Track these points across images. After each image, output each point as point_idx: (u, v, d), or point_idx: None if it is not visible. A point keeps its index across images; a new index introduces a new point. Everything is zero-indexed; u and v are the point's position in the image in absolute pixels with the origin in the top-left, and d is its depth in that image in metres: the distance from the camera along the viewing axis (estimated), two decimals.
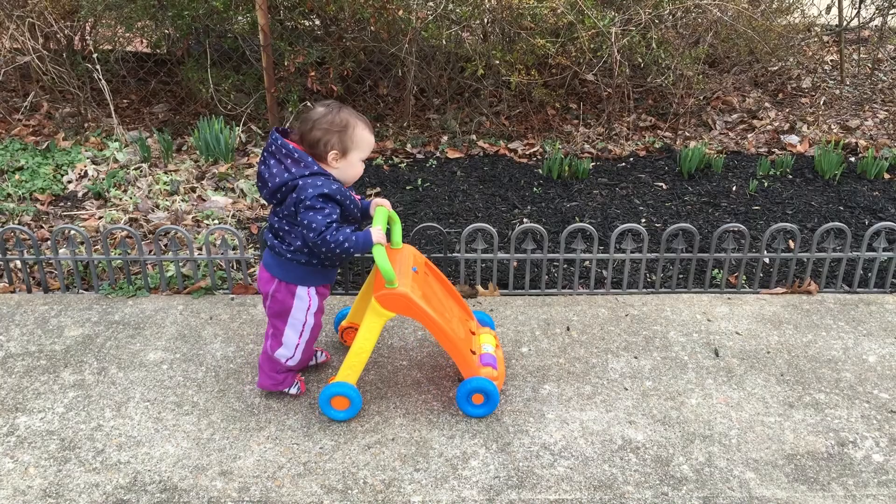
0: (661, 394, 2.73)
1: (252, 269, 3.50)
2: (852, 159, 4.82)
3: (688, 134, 5.40)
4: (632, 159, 4.87)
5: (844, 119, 5.68)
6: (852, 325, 3.14)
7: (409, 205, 4.19)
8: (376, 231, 2.42)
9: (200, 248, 3.62)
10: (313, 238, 2.31)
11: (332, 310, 3.19)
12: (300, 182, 2.30)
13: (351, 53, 4.85)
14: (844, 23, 6.31)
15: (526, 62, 4.92)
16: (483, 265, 3.48)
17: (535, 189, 4.39)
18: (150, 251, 3.46)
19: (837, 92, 6.23)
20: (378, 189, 4.40)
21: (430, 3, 4.58)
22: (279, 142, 2.34)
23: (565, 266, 3.53)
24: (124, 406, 2.66)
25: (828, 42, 7.32)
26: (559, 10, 4.50)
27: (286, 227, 2.41)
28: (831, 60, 7.00)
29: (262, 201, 4.16)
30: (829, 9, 6.30)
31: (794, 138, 5.14)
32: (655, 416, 2.62)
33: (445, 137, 5.13)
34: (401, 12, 4.55)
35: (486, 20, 4.73)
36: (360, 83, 5.43)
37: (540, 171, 4.63)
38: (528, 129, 5.38)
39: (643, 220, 3.97)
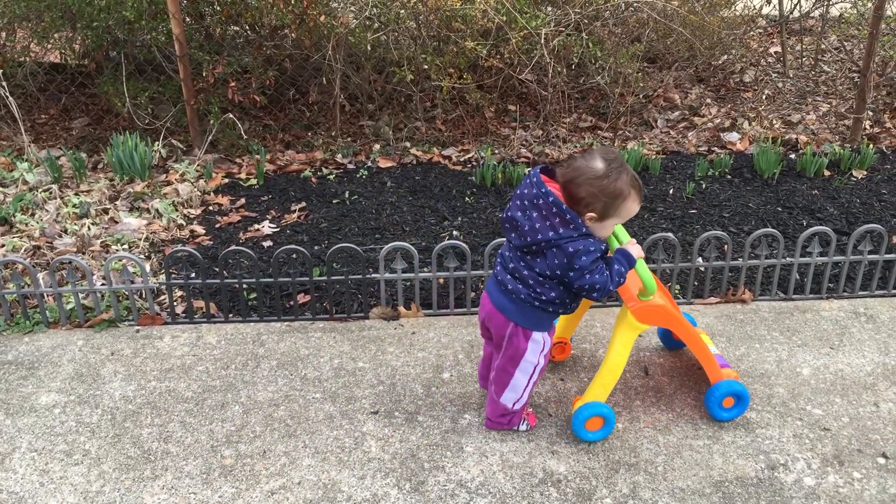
0: None
1: (162, 297, 3.30)
2: (793, 156, 4.73)
3: (628, 133, 5.28)
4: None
5: (786, 113, 5.61)
6: (787, 336, 3.02)
7: (335, 220, 4.01)
8: (634, 247, 2.35)
9: (105, 278, 3.41)
10: (598, 296, 2.24)
11: None
12: (570, 248, 2.14)
13: (274, 62, 4.65)
14: (787, 13, 6.26)
15: (458, 65, 4.77)
16: (407, 284, 3.31)
17: (467, 198, 4.23)
18: (50, 283, 3.25)
19: (780, 85, 6.17)
20: (303, 204, 4.21)
21: (352, 8, 4.39)
22: (550, 198, 2.13)
23: None
24: (8, 458, 2.45)
25: (771, 34, 7.27)
26: (489, 12, 4.35)
27: (540, 280, 2.25)
28: (775, 52, 6.94)
29: (180, 221, 3.95)
30: (769, 0, 6.23)
31: (734, 136, 5.05)
32: (580, 445, 2.48)
33: (377, 146, 4.95)
34: (322, 18, 4.36)
35: (413, 24, 4.56)
36: (284, 93, 5.22)
37: (473, 178, 4.47)
38: (465, 133, 5.23)
39: None
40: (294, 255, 3.49)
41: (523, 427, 2.55)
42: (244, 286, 3.19)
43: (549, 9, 4.79)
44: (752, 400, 2.66)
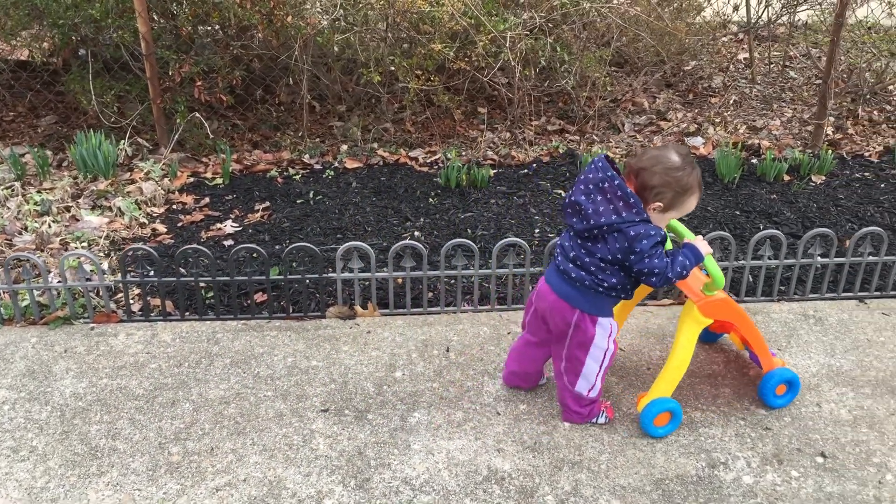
0: (534, 418, 2.62)
1: (118, 295, 3.31)
2: (754, 161, 4.79)
3: (595, 137, 5.33)
4: (535, 165, 4.77)
5: (752, 119, 5.68)
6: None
7: (297, 220, 4.02)
8: (702, 244, 2.40)
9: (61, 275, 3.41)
10: (657, 282, 2.29)
11: None
12: (632, 231, 2.20)
13: (242, 62, 4.66)
14: (754, 20, 6.33)
15: (426, 67, 4.79)
16: (366, 284, 3.33)
17: (430, 200, 4.26)
18: (5, 280, 3.24)
19: (748, 91, 6.24)
20: (267, 203, 4.22)
21: (318, 9, 4.41)
22: (616, 181, 2.22)
23: (453, 282, 3.40)
24: None
25: (741, 40, 7.35)
26: (456, 15, 4.38)
27: (601, 266, 2.30)
28: (744, 59, 7.02)
29: (142, 220, 3.95)
30: (736, 7, 6.30)
31: (697, 140, 5.11)
32: (526, 443, 2.51)
33: (345, 147, 4.97)
34: (290, 18, 4.37)
35: (381, 25, 4.57)
36: (253, 92, 5.22)
37: (439, 180, 4.50)
38: (434, 135, 5.25)
39: (537, 231, 3.87)
40: (253, 255, 3.50)
41: (602, 419, 2.58)
42: (203, 285, 3.20)
43: (518, 12, 4.82)
44: (698, 400, 2.70)
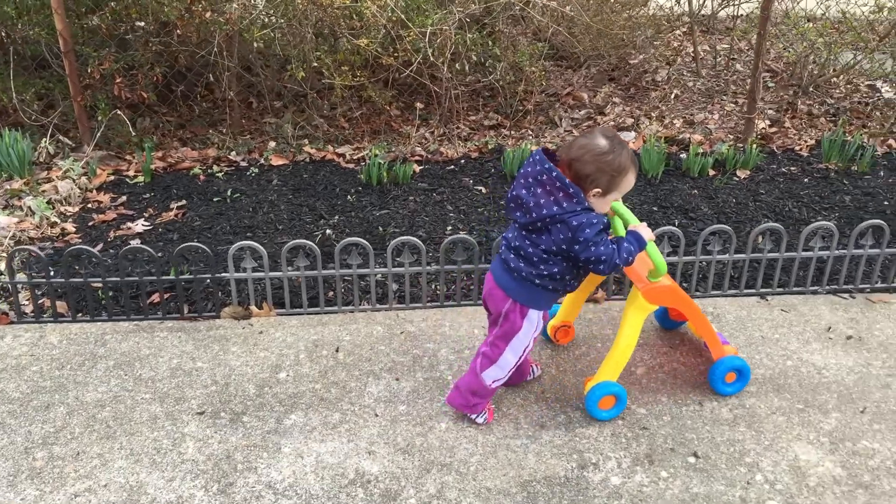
0: (412, 419, 2.59)
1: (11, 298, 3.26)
2: (683, 156, 4.76)
3: (530, 132, 5.30)
4: (463, 161, 4.74)
5: (690, 113, 5.65)
6: None
7: (209, 218, 3.98)
8: (645, 230, 2.43)
9: None
10: (605, 269, 2.30)
11: None
12: (574, 221, 2.22)
13: (168, 58, 4.60)
14: (697, 12, 6.30)
15: (353, 63, 4.75)
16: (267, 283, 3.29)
17: (349, 197, 4.22)
18: None
19: (691, 84, 6.22)
20: (184, 202, 4.17)
21: (235, 5, 4.35)
22: (554, 173, 2.23)
23: (356, 281, 3.36)
24: None
25: (691, 32, 7.33)
26: (378, 12, 4.33)
27: (543, 255, 2.31)
28: (693, 52, 6.99)
29: (53, 219, 3.90)
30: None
31: (629, 135, 5.08)
32: (399, 445, 2.48)
33: (273, 143, 4.92)
34: (209, 14, 4.32)
35: (304, 21, 4.52)
36: (188, 88, 5.17)
37: (362, 177, 4.46)
38: (369, 131, 5.21)
39: (449, 228, 3.84)
40: (160, 255, 3.45)
41: (480, 419, 2.56)
42: (98, 285, 3.16)
43: (446, 7, 4.78)
44: (579, 399, 2.68)
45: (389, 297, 3.22)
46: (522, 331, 2.42)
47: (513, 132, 5.28)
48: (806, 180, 4.36)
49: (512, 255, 2.37)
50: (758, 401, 2.67)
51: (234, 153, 4.80)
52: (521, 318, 2.40)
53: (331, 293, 3.32)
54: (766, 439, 2.49)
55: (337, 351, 2.95)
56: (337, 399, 2.69)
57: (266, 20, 4.48)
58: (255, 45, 4.41)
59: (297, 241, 3.09)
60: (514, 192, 2.32)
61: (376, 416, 2.61)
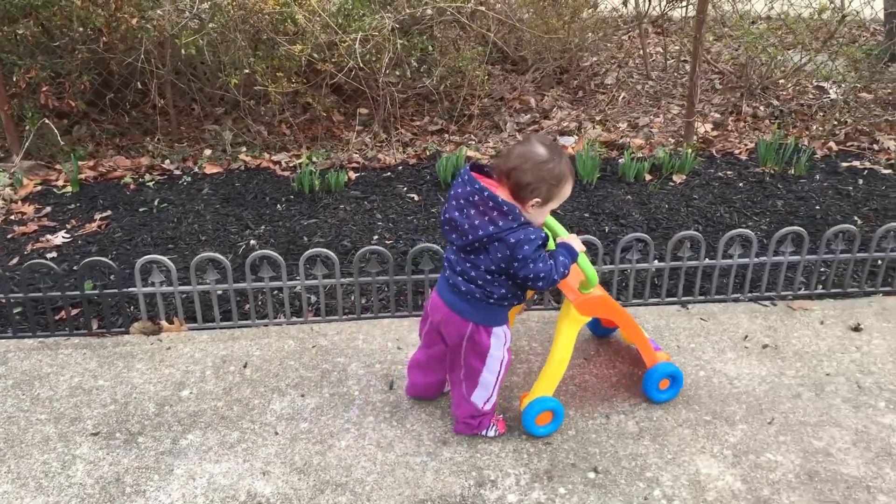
0: (313, 437, 2.54)
1: None
2: (621, 161, 4.72)
3: (473, 137, 5.25)
4: (400, 168, 4.68)
5: (635, 116, 5.63)
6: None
7: (132, 230, 3.89)
8: (575, 241, 2.41)
9: None
10: (543, 286, 2.28)
11: None
12: (511, 238, 2.17)
13: (90, 66, 4.51)
14: (644, 13, 6.28)
15: (290, 69, 4.69)
16: (183, 298, 3.22)
17: (279, 206, 4.15)
18: None
19: (640, 87, 6.20)
20: (109, 212, 4.09)
21: (160, 12, 4.27)
22: (485, 193, 2.17)
23: (270, 294, 3.29)
24: None
25: (647, 34, 7.32)
26: (303, 18, 4.27)
27: (486, 277, 2.28)
28: (642, 54, 6.96)
29: None
30: (625, 2, 6.24)
31: (569, 140, 5.04)
32: (295, 464, 2.42)
33: (208, 152, 4.85)
34: (135, 21, 4.24)
35: (234, 27, 4.45)
36: (125, 96, 5.07)
37: (295, 185, 4.39)
38: (310, 138, 5.15)
39: (375, 238, 3.78)
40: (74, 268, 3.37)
41: (492, 433, 2.53)
42: (12, 301, 3.08)
43: (385, 12, 4.72)
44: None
45: (304, 311, 3.16)
46: (493, 347, 2.39)
47: (455, 137, 5.23)
48: (741, 185, 4.34)
49: (460, 279, 2.33)
50: (665, 413, 2.64)
51: (167, 161, 4.72)
52: (487, 337, 2.37)
53: (248, 306, 3.25)
54: (669, 453, 2.46)
55: (245, 367, 2.89)
56: (238, 417, 2.63)
57: (196, 27, 4.40)
58: (184, 52, 4.32)
59: (207, 254, 3.03)
60: (447, 215, 2.29)
61: (276, 434, 2.55)
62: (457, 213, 2.24)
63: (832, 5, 5.49)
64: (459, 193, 2.24)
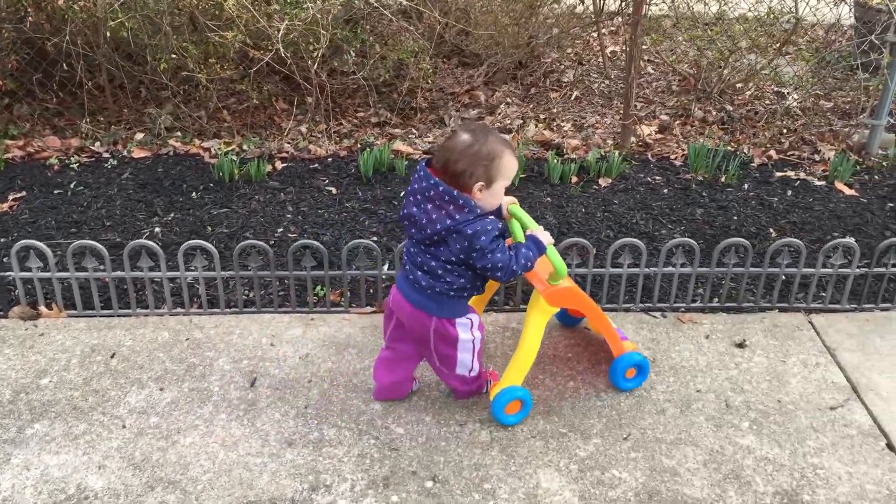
0: (159, 432, 2.51)
1: None
2: (556, 161, 4.66)
3: (415, 130, 5.20)
4: (330, 160, 4.64)
5: (582, 116, 5.56)
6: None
7: (39, 212, 3.87)
8: (543, 234, 2.46)
9: None
10: (502, 277, 2.33)
11: None
12: (468, 229, 2.24)
13: (18, 45, 4.49)
14: (600, 11, 6.19)
15: (224, 55, 4.64)
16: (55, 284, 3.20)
17: (194, 194, 4.11)
18: None
19: (595, 86, 6.13)
20: (23, 193, 4.07)
21: None
22: (441, 187, 2.23)
23: (149, 284, 3.27)
24: None
25: (612, 33, 7.23)
26: (231, 5, 4.22)
27: (447, 268, 2.34)
28: (611, 52, 6.89)
29: None
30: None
31: (506, 138, 4.97)
32: (134, 459, 2.40)
33: (140, 135, 4.81)
34: (61, 2, 4.20)
35: (160, 12, 4.41)
36: (69, 77, 5.04)
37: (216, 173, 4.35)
38: (251, 125, 5.11)
39: (280, 230, 3.74)
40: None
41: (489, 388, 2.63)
42: None
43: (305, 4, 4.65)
44: (340, 416, 2.60)
45: (186, 302, 3.13)
46: (460, 334, 2.46)
47: (397, 130, 5.18)
48: (665, 191, 4.27)
49: (420, 274, 2.37)
50: (522, 424, 2.60)
51: (97, 144, 4.69)
52: (452, 328, 2.44)
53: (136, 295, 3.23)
54: (514, 465, 2.42)
55: (112, 357, 2.87)
56: (91, 409, 2.61)
57: (126, 10, 4.35)
58: (109, 34, 4.28)
59: (84, 241, 3.00)
60: (405, 210, 2.33)
61: (123, 427, 2.53)
62: (415, 209, 2.29)
63: (787, 11, 5.39)
64: (416, 189, 2.29)
